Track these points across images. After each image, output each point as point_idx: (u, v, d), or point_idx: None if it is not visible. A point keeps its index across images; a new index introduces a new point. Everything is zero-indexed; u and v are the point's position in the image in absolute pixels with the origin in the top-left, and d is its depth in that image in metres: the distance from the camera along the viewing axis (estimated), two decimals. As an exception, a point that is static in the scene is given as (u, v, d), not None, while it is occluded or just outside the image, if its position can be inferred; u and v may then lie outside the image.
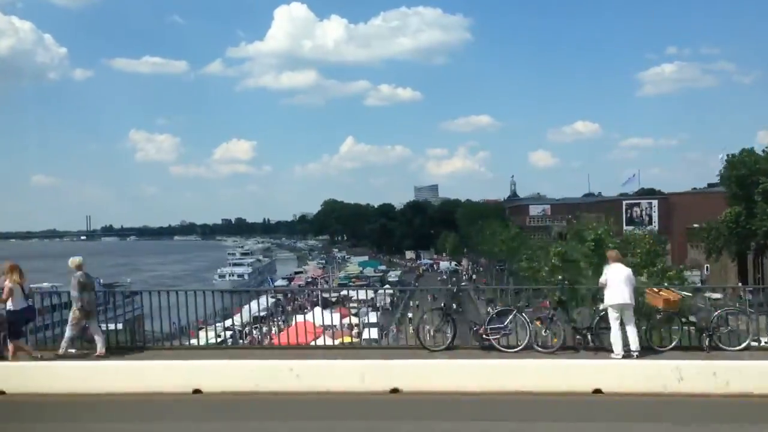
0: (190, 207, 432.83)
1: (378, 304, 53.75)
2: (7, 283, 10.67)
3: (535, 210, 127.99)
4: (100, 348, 11.00)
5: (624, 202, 76.77)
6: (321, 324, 26.36)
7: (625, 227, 71.96)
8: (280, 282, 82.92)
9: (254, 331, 50.51)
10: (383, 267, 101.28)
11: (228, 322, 40.46)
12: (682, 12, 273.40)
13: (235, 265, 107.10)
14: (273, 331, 48.51)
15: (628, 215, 72.90)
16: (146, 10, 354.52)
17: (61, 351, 11.07)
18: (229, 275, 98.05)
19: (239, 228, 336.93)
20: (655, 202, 75.63)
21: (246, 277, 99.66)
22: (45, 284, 64.25)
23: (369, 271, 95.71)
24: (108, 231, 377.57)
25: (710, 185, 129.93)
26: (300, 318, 42.00)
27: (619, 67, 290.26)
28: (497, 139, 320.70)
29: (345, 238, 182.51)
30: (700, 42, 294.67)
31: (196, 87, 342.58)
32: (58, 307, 12.92)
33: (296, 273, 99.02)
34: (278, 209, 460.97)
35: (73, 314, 11.04)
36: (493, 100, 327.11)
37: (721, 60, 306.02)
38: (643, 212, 73.77)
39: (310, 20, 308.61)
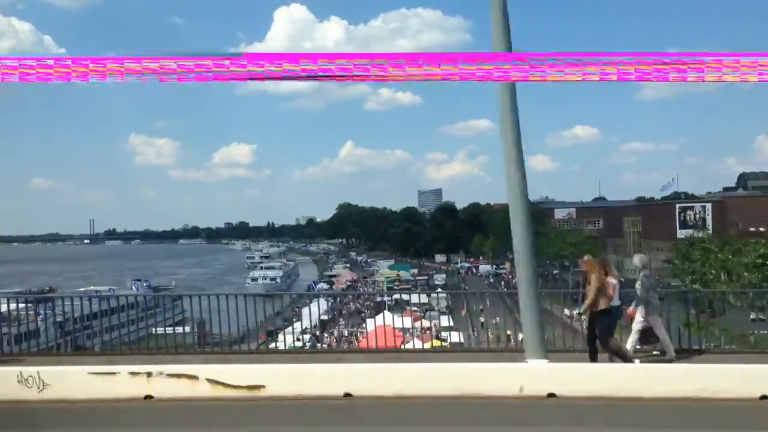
0: (190, 211, 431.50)
1: (436, 308, 53.22)
2: (612, 280, 10.17)
3: (560, 213, 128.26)
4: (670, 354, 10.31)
5: (677, 206, 76.49)
6: (400, 327, 25.96)
7: (679, 230, 72.25)
8: (321, 285, 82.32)
9: (332, 335, 49.88)
10: (414, 270, 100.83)
11: (297, 326, 39.98)
12: (681, 15, 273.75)
13: (267, 268, 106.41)
14: (337, 335, 47.85)
15: (681, 218, 72.75)
16: (146, 12, 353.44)
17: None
18: (262, 278, 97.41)
19: (243, 232, 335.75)
20: (708, 206, 75.13)
21: (278, 280, 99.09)
22: (103, 287, 63.71)
23: (401, 274, 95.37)
24: (111, 235, 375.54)
25: (726, 189, 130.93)
26: (370, 322, 41.79)
27: None
28: (497, 144, 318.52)
29: (358, 241, 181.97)
30: (699, 45, 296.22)
31: (195, 90, 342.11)
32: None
33: (330, 276, 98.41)
34: (280, 213, 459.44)
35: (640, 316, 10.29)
36: (493, 104, 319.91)
37: None
38: (697, 215, 73.58)
39: (309, 22, 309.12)
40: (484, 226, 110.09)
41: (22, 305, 28.22)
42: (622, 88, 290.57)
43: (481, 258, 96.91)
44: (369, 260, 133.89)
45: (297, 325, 43.18)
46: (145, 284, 70.06)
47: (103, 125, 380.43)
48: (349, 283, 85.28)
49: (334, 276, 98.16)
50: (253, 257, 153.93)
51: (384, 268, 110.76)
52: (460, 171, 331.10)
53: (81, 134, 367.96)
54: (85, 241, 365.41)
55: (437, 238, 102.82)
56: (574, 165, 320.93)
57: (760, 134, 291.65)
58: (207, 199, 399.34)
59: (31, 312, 34.33)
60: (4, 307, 19.58)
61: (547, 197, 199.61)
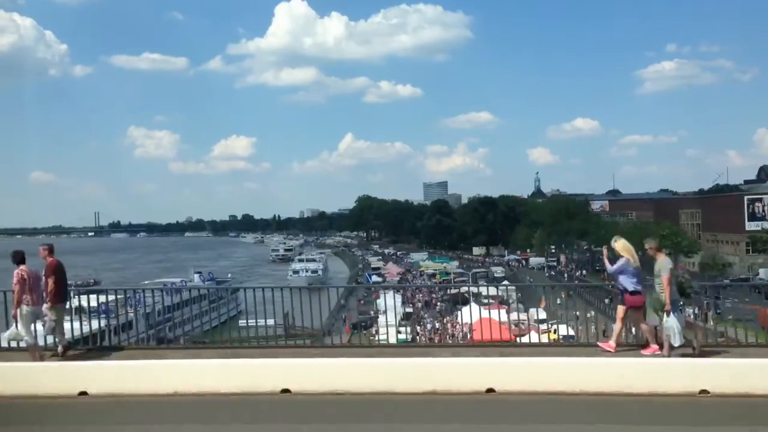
0: (191, 203, 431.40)
1: (512, 301, 52.66)
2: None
3: (594, 206, 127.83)
4: None
5: (746, 197, 75.87)
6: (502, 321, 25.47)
7: (747, 222, 71.86)
8: (375, 278, 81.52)
9: (425, 328, 48.92)
10: (455, 263, 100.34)
11: (382, 320, 39.27)
12: (682, 9, 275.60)
13: (308, 261, 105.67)
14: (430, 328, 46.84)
15: (750, 210, 72.29)
16: (146, 7, 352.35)
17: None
18: (303, 271, 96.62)
19: (248, 224, 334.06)
20: (778, 197, 74.16)
21: (320, 272, 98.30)
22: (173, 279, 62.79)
23: (440, 267, 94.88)
24: (116, 227, 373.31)
25: (747, 182, 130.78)
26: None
27: (618, 64, 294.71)
28: (497, 136, 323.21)
29: (378, 234, 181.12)
30: (699, 39, 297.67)
31: (195, 84, 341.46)
32: None
33: (374, 269, 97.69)
34: (282, 205, 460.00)
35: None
36: (493, 97, 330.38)
37: (721, 57, 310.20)
38: (765, 207, 73.03)
39: (310, 17, 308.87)
40: (519, 219, 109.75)
41: (111, 297, 27.34)
42: (623, 81, 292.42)
43: (528, 250, 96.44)
44: (399, 253, 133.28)
45: (381, 318, 42.57)
46: (208, 276, 69.17)
47: (102, 119, 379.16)
48: (400, 276, 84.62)
49: (378, 269, 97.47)
50: (278, 250, 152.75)
51: (419, 261, 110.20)
52: (460, 163, 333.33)
53: (81, 128, 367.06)
54: (90, 234, 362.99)
55: (478, 230, 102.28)
56: (574, 158, 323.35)
57: (760, 127, 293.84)
58: (207, 192, 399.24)
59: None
60: (95, 300, 19.19)
61: (558, 190, 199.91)
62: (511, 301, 57.27)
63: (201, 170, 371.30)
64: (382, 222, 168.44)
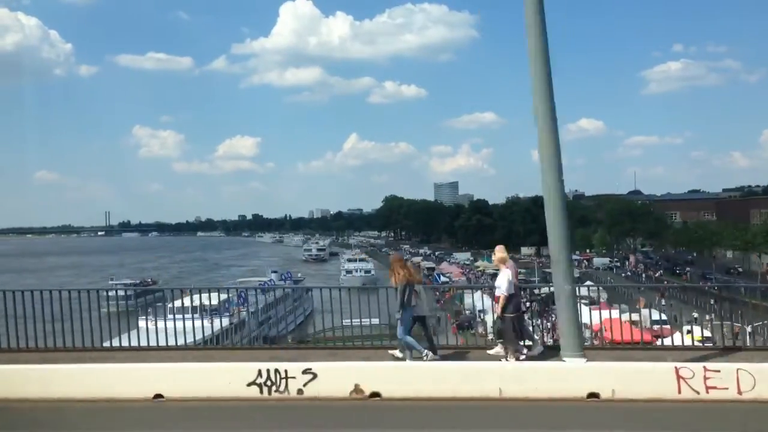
0: (196, 203, 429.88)
1: (602, 300, 51.89)
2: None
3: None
4: None
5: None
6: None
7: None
8: (443, 279, 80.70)
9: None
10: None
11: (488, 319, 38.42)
12: (688, 10, 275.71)
13: (361, 260, 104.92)
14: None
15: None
16: (151, 6, 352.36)
17: None
18: (356, 271, 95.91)
19: (260, 224, 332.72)
20: None
21: (372, 272, 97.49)
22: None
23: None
24: (126, 227, 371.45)
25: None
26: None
27: (624, 64, 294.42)
28: (501, 136, 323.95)
29: (406, 234, 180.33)
30: (706, 40, 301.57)
31: (200, 83, 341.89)
32: None
33: (429, 269, 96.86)
34: (287, 206, 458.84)
35: None
36: (498, 97, 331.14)
37: (728, 58, 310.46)
38: None
39: (315, 17, 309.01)
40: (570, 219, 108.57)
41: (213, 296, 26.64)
42: (629, 81, 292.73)
43: (588, 251, 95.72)
44: (436, 253, 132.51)
45: (488, 318, 41.78)
46: (287, 275, 68.34)
47: (107, 118, 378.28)
48: (462, 276, 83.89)
49: (431, 269, 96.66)
50: (311, 249, 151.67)
51: (463, 260, 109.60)
52: (464, 164, 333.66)
53: (85, 127, 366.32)
54: (99, 233, 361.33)
55: (531, 230, 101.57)
56: (578, 158, 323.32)
57: (766, 128, 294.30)
58: (212, 192, 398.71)
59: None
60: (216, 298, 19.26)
61: (576, 191, 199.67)
62: (601, 301, 56.53)
63: (205, 170, 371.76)
64: (412, 222, 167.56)
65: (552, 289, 13.09)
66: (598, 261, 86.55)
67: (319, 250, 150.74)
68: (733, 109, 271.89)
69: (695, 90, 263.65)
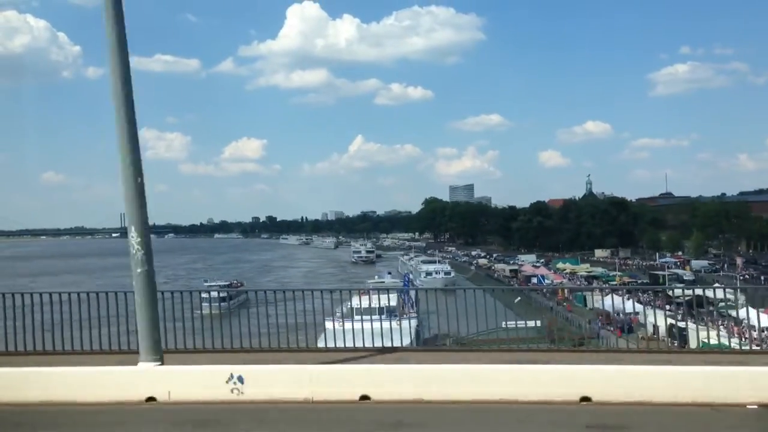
0: (203, 204, 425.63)
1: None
2: None
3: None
4: None
5: None
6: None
7: None
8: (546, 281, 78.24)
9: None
10: (585, 265, 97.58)
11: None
12: (696, 12, 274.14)
13: (438, 263, 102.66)
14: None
15: None
16: (160, 8, 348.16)
17: None
18: (435, 273, 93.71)
19: (276, 226, 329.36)
20: None
21: (452, 274, 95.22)
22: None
23: (582, 268, 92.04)
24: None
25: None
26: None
27: (631, 66, 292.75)
28: (507, 139, 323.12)
29: (448, 236, 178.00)
30: (713, 42, 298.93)
31: (207, 85, 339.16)
32: None
33: (512, 272, 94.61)
34: (293, 207, 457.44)
35: None
36: (504, 99, 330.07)
37: (735, 60, 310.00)
38: None
39: (322, 19, 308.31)
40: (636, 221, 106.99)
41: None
42: (636, 83, 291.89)
43: (680, 253, 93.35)
44: (495, 255, 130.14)
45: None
46: (404, 277, 65.91)
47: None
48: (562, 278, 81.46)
49: (515, 271, 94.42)
50: (359, 252, 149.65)
51: (530, 262, 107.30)
52: (469, 166, 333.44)
53: (91, 128, 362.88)
54: (114, 235, 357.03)
55: (608, 232, 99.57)
56: (584, 161, 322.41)
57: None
58: (218, 193, 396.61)
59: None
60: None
61: (603, 193, 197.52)
62: (740, 304, 54.04)
63: (211, 172, 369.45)
64: (456, 224, 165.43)
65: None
66: (696, 264, 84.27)
67: (368, 252, 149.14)
68: (740, 112, 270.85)
69: (702, 92, 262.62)
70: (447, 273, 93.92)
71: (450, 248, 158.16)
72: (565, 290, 65.66)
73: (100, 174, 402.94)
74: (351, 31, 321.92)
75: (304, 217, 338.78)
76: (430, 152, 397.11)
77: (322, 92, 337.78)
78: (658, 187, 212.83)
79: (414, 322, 29.06)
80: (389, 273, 67.48)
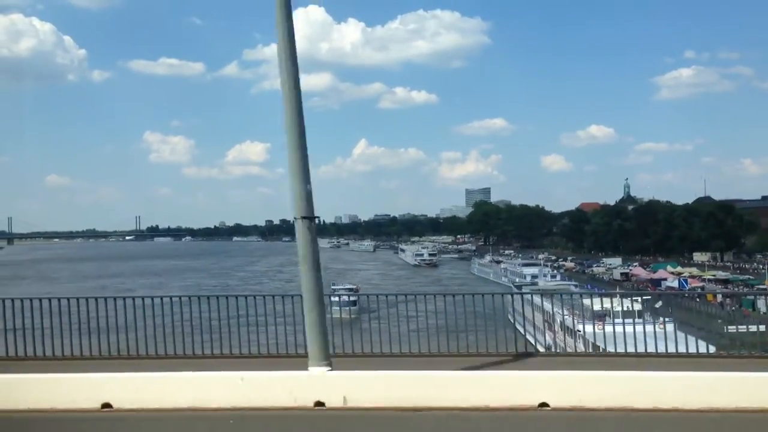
0: (208, 208, 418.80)
1: None
2: None
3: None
4: None
5: None
6: None
7: None
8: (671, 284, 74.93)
9: None
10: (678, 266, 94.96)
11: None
12: (701, 16, 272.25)
13: (544, 266, 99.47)
14: None
15: None
16: (165, 12, 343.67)
17: None
18: (543, 276, 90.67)
19: (289, 229, 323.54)
20: None
21: (558, 278, 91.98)
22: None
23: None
24: (154, 231, 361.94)
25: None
26: None
27: (636, 70, 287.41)
28: (511, 143, 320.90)
29: (496, 239, 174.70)
30: (718, 46, 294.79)
31: (211, 89, 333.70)
32: None
33: (623, 275, 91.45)
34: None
35: None
36: (508, 103, 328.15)
37: (740, 65, 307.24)
38: None
39: (327, 23, 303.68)
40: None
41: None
42: (640, 87, 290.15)
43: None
44: (570, 258, 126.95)
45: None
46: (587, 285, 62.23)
47: (118, 124, 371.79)
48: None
49: (626, 274, 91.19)
50: (422, 254, 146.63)
51: (614, 264, 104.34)
52: (473, 170, 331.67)
53: (97, 133, 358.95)
54: (128, 238, 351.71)
55: (716, 235, 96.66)
56: (588, 165, 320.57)
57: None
58: (222, 196, 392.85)
59: None
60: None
61: (643, 198, 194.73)
62: None
63: (215, 175, 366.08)
64: (513, 227, 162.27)
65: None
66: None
67: (430, 255, 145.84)
68: (744, 116, 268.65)
69: (707, 96, 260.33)
70: (552, 276, 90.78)
71: (507, 251, 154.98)
72: (718, 295, 63.01)
73: (105, 177, 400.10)
74: (356, 35, 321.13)
75: (323, 220, 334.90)
76: (434, 156, 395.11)
77: (326, 96, 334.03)
78: (659, 189, 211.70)
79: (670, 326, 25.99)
80: (545, 274, 63.59)
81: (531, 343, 18.41)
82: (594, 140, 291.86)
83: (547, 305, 26.98)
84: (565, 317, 37.36)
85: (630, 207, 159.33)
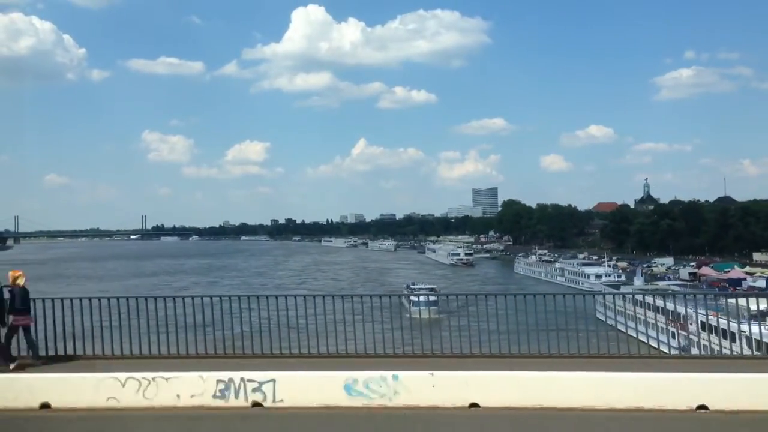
0: (208, 208, 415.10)
1: None
2: None
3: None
4: None
5: None
6: None
7: None
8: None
9: None
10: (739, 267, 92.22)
11: None
12: (700, 16, 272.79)
13: (605, 265, 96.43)
14: None
15: None
16: (164, 11, 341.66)
17: None
18: (605, 275, 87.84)
19: (306, 228, 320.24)
20: None
21: (615, 277, 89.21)
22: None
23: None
24: (159, 230, 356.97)
25: None
26: None
27: (635, 71, 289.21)
28: (510, 143, 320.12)
29: (525, 239, 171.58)
30: (718, 47, 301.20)
31: (211, 88, 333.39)
32: None
33: (691, 275, 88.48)
34: (298, 210, 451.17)
35: None
36: (508, 103, 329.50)
37: (739, 65, 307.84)
38: None
39: (327, 23, 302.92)
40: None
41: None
42: (640, 88, 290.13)
43: None
44: (616, 259, 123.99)
45: None
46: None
47: (118, 123, 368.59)
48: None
49: (694, 274, 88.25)
50: (458, 254, 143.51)
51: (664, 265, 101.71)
52: (472, 170, 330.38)
53: (96, 132, 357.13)
54: (133, 237, 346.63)
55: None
56: (587, 165, 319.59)
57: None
58: (221, 196, 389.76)
59: None
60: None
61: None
62: None
63: (214, 175, 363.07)
64: (546, 227, 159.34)
65: None
66: None
67: (467, 254, 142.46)
68: (744, 117, 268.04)
69: (706, 97, 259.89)
70: (608, 275, 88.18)
71: (540, 251, 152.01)
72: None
73: (105, 176, 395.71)
74: (356, 35, 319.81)
75: (330, 220, 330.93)
76: (433, 156, 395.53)
77: (325, 95, 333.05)
78: (660, 189, 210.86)
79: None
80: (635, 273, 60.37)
81: (652, 345, 18.31)
82: (593, 140, 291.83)
83: (671, 306, 24.54)
84: (710, 318, 34.00)
85: (649, 207, 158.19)
